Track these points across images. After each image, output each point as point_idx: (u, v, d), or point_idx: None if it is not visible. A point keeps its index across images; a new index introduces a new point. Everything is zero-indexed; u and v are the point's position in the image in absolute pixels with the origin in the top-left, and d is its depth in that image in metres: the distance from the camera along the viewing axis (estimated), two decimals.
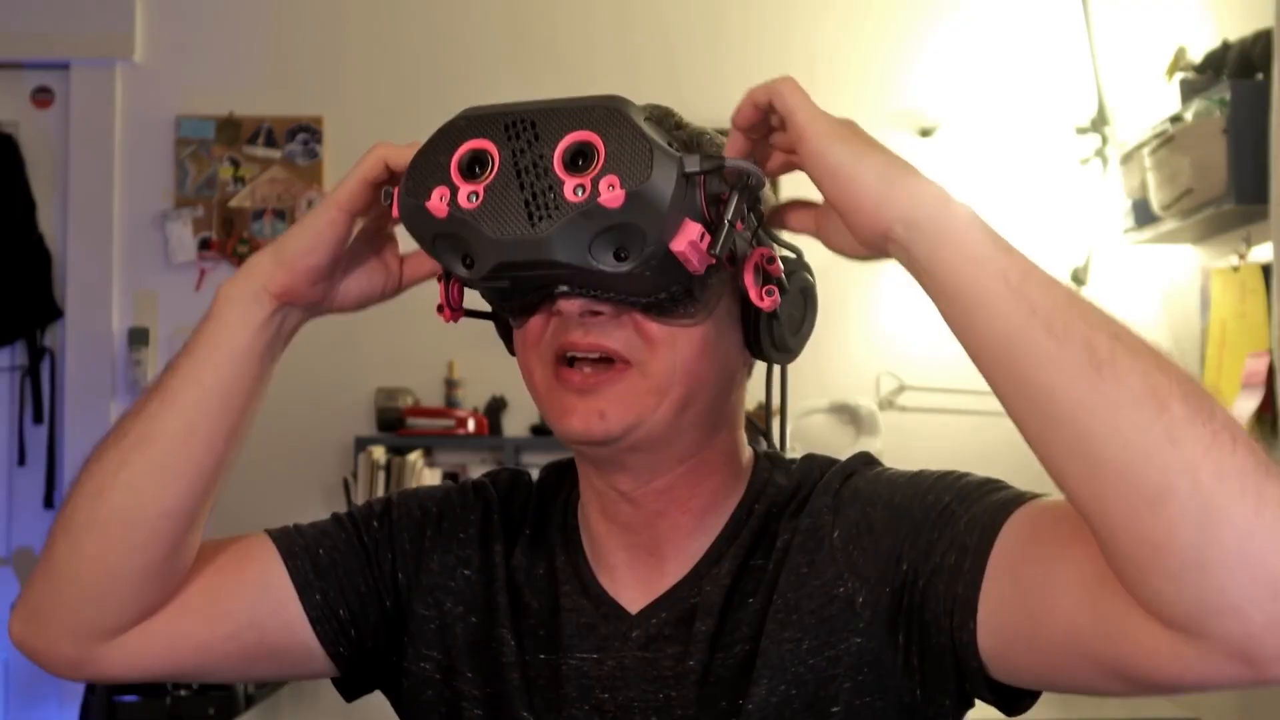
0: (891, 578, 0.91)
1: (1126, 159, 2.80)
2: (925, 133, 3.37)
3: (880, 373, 3.43)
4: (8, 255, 3.39)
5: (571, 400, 0.92)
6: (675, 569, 1.00)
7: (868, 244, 0.83)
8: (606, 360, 0.92)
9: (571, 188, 0.83)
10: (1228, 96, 2.32)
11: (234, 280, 0.96)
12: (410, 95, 3.42)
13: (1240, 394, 2.37)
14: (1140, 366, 0.71)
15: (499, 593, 1.03)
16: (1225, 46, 2.45)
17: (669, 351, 0.91)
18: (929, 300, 0.80)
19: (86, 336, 3.41)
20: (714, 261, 0.86)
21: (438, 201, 0.86)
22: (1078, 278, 3.21)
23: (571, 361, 0.92)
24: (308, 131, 3.40)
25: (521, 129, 0.85)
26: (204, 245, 3.42)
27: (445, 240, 0.87)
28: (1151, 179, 2.60)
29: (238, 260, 3.40)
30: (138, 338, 3.40)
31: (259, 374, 0.96)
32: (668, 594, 0.99)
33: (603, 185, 0.82)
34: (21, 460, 3.42)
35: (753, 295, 0.91)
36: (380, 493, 3.22)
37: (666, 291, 0.89)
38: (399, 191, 0.89)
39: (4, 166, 3.40)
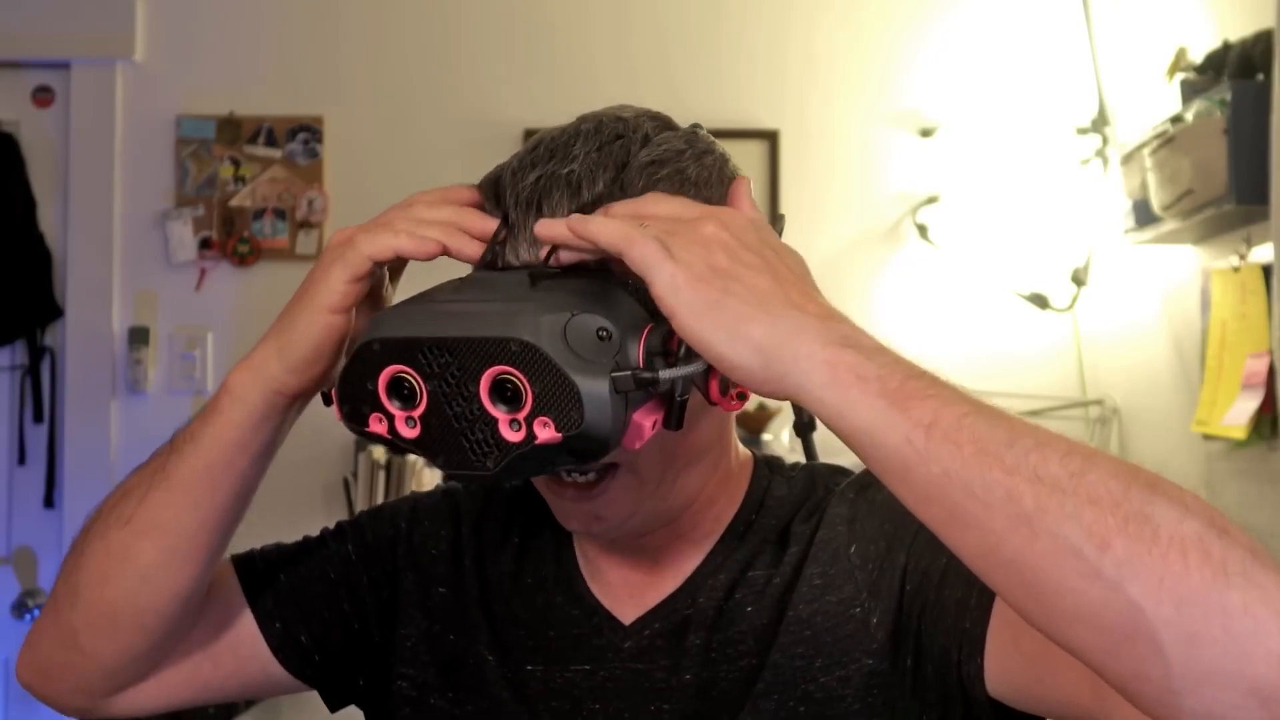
0: (898, 594, 0.91)
1: (1127, 159, 2.79)
2: (925, 133, 3.37)
3: None
4: (8, 255, 3.38)
5: (568, 505, 0.93)
6: (670, 580, 0.99)
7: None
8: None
9: (506, 424, 0.79)
10: (1228, 97, 2.31)
11: (242, 378, 0.91)
12: (410, 95, 3.41)
13: (1240, 394, 2.37)
14: (1070, 507, 0.65)
15: (471, 607, 1.03)
16: (1226, 47, 2.45)
17: (654, 450, 0.89)
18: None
19: (87, 336, 3.40)
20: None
21: (377, 425, 0.83)
22: (1078, 278, 3.21)
23: None
24: (308, 131, 3.39)
25: (438, 359, 0.80)
26: (204, 245, 3.41)
27: (400, 443, 0.85)
28: (1152, 179, 2.59)
29: (238, 260, 3.39)
30: (138, 337, 3.39)
31: (267, 463, 0.96)
32: (661, 605, 0.99)
33: (537, 426, 0.78)
34: (21, 460, 3.41)
35: (724, 406, 0.86)
36: (381, 492, 3.22)
37: None
38: (339, 408, 0.85)
39: (4, 166, 3.39)
